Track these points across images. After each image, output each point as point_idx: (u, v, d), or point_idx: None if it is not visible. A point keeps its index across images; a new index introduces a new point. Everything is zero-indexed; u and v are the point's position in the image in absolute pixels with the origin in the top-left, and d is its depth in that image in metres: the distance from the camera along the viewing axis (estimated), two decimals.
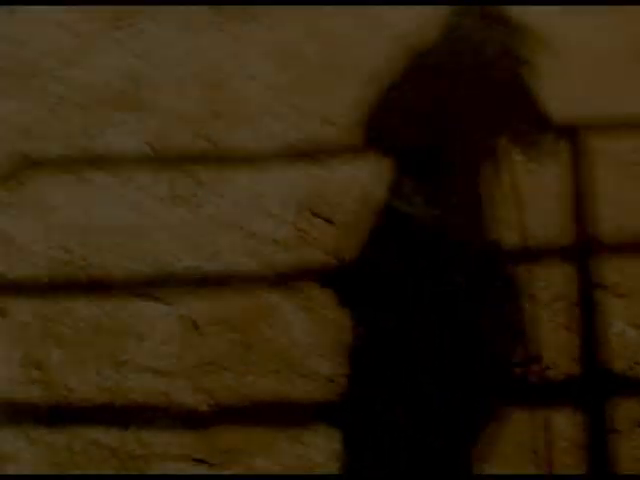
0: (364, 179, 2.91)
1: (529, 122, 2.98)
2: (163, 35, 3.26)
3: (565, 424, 2.32)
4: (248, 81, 3.16)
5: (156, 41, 3.24)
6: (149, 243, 2.81)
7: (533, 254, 2.72)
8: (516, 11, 3.24)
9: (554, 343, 2.50)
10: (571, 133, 2.94)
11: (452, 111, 3.04)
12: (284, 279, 2.74)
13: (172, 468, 2.30)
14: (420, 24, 3.25)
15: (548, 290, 2.61)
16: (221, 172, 2.96)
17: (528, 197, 2.82)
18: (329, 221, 2.83)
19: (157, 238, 2.81)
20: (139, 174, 2.96)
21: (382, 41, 3.23)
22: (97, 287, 2.71)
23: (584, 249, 2.71)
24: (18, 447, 2.33)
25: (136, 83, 3.17)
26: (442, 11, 3.24)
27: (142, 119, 3.08)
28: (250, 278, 2.75)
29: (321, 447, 2.35)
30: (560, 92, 3.05)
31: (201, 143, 3.02)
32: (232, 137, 3.03)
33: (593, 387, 2.41)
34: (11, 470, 2.28)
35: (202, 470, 2.30)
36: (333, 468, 2.30)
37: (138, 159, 3.00)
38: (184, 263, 2.76)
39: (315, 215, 2.85)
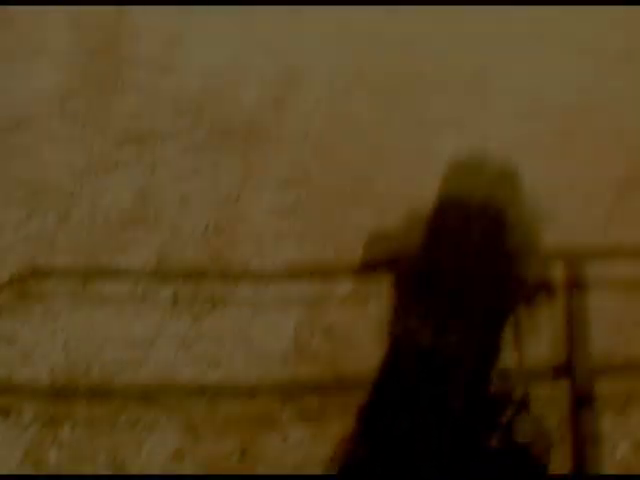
0: (363, 297, 3.27)
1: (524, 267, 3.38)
2: (170, 154, 3.71)
3: None
4: (254, 200, 3.58)
5: (163, 160, 3.69)
6: (150, 351, 3.14)
7: (532, 377, 3.05)
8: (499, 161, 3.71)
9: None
10: (567, 258, 3.34)
11: (452, 240, 3.45)
12: (282, 390, 3.05)
13: None
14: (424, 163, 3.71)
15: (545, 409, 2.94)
16: (224, 286, 3.32)
17: (527, 322, 3.18)
18: (327, 335, 3.18)
19: (159, 347, 3.14)
20: (144, 285, 3.32)
21: (388, 173, 3.67)
22: (98, 392, 3.01)
23: (579, 370, 3.05)
24: None
25: (143, 200, 3.58)
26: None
27: (148, 233, 3.47)
28: (248, 387, 3.06)
29: None
30: (556, 228, 3.47)
31: (205, 258, 3.40)
32: (235, 253, 3.42)
33: None
34: None
35: None
36: None
37: (143, 271, 3.37)
38: (185, 372, 3.08)
39: (314, 330, 3.20)
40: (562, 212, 3.47)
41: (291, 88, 3.96)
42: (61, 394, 2.99)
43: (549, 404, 2.94)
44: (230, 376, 3.05)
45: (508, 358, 3.06)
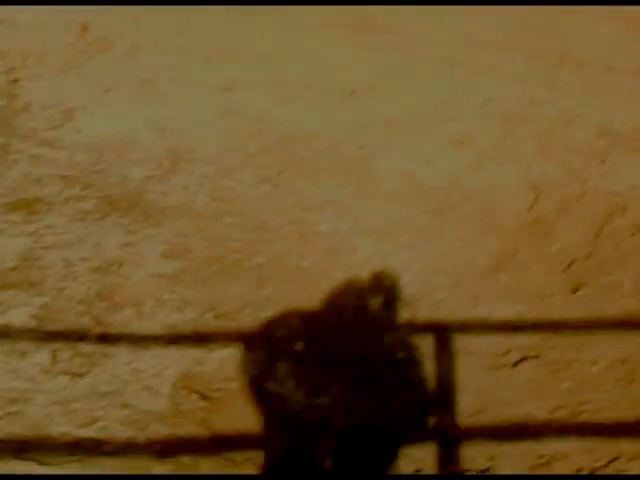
0: (240, 360, 3.59)
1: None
2: (56, 221, 4.01)
3: None
4: (136, 269, 3.90)
5: (50, 227, 3.98)
6: (27, 406, 3.36)
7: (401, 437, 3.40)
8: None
9: None
10: (437, 332, 3.76)
11: (327, 311, 3.83)
12: (157, 447, 3.31)
13: None
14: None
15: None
16: (103, 347, 3.59)
17: (398, 386, 3.55)
18: (203, 396, 3.47)
19: (35, 402, 3.37)
20: (23, 343, 3.56)
21: (269, 247, 4.06)
22: None
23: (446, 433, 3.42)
24: None
25: (28, 263, 3.85)
26: None
27: (30, 295, 3.73)
28: (123, 444, 3.31)
29: None
30: (427, 304, 3.90)
31: (85, 320, 3.68)
32: (116, 316, 3.70)
33: None
34: None
35: None
36: None
37: (23, 330, 3.62)
38: (60, 427, 3.31)
39: (190, 390, 3.49)
40: (434, 289, 3.90)
41: (178, 165, 4.34)
42: None
43: (417, 463, 3.29)
44: (105, 433, 3.30)
45: (379, 419, 3.41)
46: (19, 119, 4.47)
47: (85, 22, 4.88)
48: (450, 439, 3.37)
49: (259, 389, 3.51)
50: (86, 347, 3.56)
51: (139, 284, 3.82)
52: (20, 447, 3.21)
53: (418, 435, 3.37)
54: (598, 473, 3.29)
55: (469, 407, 3.46)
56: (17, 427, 3.26)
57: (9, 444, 3.21)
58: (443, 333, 3.72)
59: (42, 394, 3.38)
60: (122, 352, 3.56)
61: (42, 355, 3.51)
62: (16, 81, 4.62)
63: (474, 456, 3.32)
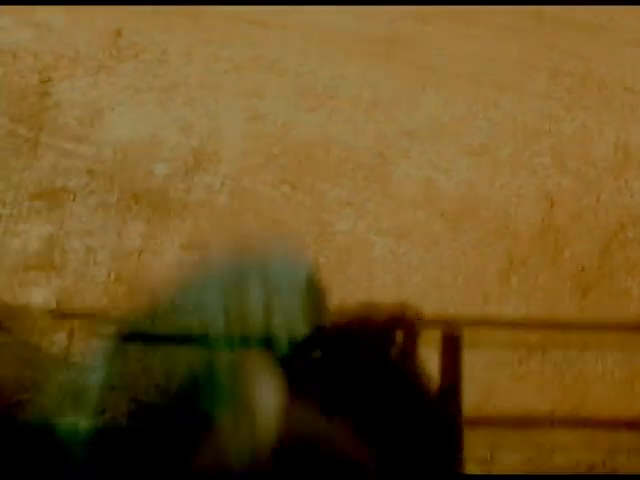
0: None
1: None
2: (80, 210, 4.25)
3: None
4: (155, 258, 4.12)
5: (73, 215, 4.22)
6: (40, 394, 3.57)
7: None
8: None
9: None
10: (445, 327, 3.94)
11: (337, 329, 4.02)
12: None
13: None
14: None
15: None
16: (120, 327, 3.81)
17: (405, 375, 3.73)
18: None
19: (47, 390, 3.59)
20: (42, 321, 3.79)
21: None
22: None
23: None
24: None
25: (50, 248, 4.08)
26: None
27: (51, 277, 3.96)
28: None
29: None
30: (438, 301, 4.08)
31: (104, 303, 3.90)
32: (133, 300, 3.92)
33: None
34: None
35: None
36: None
37: (42, 311, 3.84)
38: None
39: None
40: (444, 288, 4.08)
41: (202, 164, 4.57)
42: None
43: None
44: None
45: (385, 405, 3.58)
46: (49, 115, 4.72)
47: (119, 27, 5.16)
48: (453, 427, 3.53)
49: None
50: (105, 327, 3.77)
51: (157, 272, 4.03)
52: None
53: (423, 421, 3.53)
54: (597, 467, 3.43)
55: (473, 398, 3.62)
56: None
57: None
58: (451, 328, 3.88)
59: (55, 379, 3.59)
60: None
61: (59, 334, 3.72)
62: (48, 80, 4.88)
63: (474, 445, 3.47)
